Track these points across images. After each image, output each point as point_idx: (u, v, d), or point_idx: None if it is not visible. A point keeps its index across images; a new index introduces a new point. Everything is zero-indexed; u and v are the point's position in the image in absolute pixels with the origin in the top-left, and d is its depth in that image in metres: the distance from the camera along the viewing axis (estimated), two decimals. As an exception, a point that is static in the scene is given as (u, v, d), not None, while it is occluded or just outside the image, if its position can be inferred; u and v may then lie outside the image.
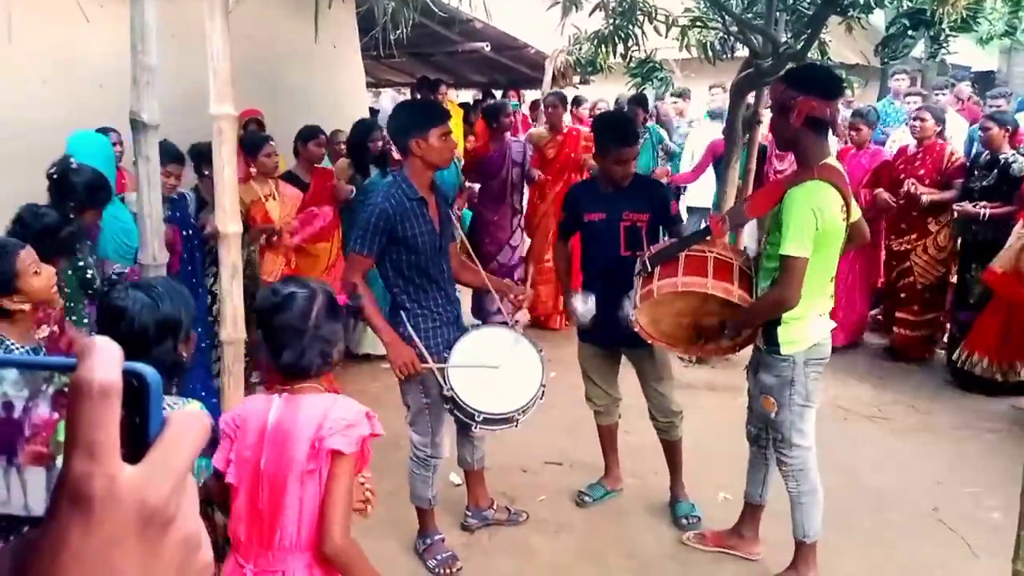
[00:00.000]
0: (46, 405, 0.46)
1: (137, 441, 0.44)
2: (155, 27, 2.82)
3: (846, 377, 5.56)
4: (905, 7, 6.54)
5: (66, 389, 0.45)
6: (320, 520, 1.91)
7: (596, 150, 3.70)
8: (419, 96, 8.64)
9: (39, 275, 2.47)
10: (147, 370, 0.45)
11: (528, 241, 6.75)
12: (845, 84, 4.47)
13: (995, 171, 5.32)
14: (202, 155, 4.46)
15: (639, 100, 7.48)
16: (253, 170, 4.84)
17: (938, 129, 5.69)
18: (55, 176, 3.36)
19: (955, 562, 3.51)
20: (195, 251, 4.51)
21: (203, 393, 4.02)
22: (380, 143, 5.75)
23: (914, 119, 5.81)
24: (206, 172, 4.48)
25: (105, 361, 0.43)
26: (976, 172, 5.46)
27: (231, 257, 3.03)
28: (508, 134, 6.43)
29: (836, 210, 2.93)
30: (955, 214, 5.50)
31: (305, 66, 6.63)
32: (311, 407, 1.96)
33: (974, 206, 5.31)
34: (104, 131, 4.23)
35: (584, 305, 3.59)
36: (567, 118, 7.18)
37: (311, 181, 5.28)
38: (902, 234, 5.75)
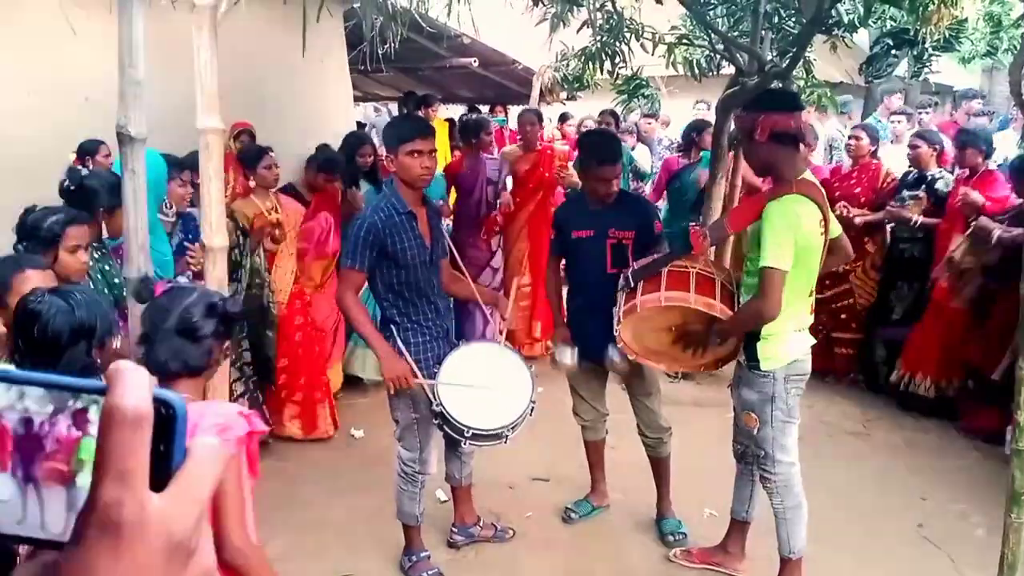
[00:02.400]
0: (69, 422, 0.45)
1: (160, 469, 0.44)
2: (143, 41, 2.81)
3: (831, 394, 5.58)
4: (889, 27, 6.64)
5: (89, 407, 0.44)
6: (215, 529, 1.89)
7: (579, 167, 3.72)
8: (406, 111, 8.65)
9: None
10: (175, 399, 0.45)
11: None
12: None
13: (922, 188, 5.31)
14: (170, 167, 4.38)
15: (611, 113, 7.42)
16: (252, 183, 4.71)
17: (872, 148, 5.69)
18: (71, 188, 3.24)
19: (940, 579, 3.52)
20: None
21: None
22: (370, 159, 5.70)
23: (849, 138, 5.80)
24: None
25: (137, 388, 0.43)
26: (904, 190, 5.44)
27: (216, 272, 3.00)
28: (483, 152, 6.14)
29: (814, 224, 2.96)
30: (887, 221, 5.47)
31: (292, 80, 6.62)
32: None
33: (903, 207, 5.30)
34: (93, 143, 4.21)
35: (569, 360, 3.66)
36: (558, 134, 7.09)
37: (312, 197, 5.18)
38: None
